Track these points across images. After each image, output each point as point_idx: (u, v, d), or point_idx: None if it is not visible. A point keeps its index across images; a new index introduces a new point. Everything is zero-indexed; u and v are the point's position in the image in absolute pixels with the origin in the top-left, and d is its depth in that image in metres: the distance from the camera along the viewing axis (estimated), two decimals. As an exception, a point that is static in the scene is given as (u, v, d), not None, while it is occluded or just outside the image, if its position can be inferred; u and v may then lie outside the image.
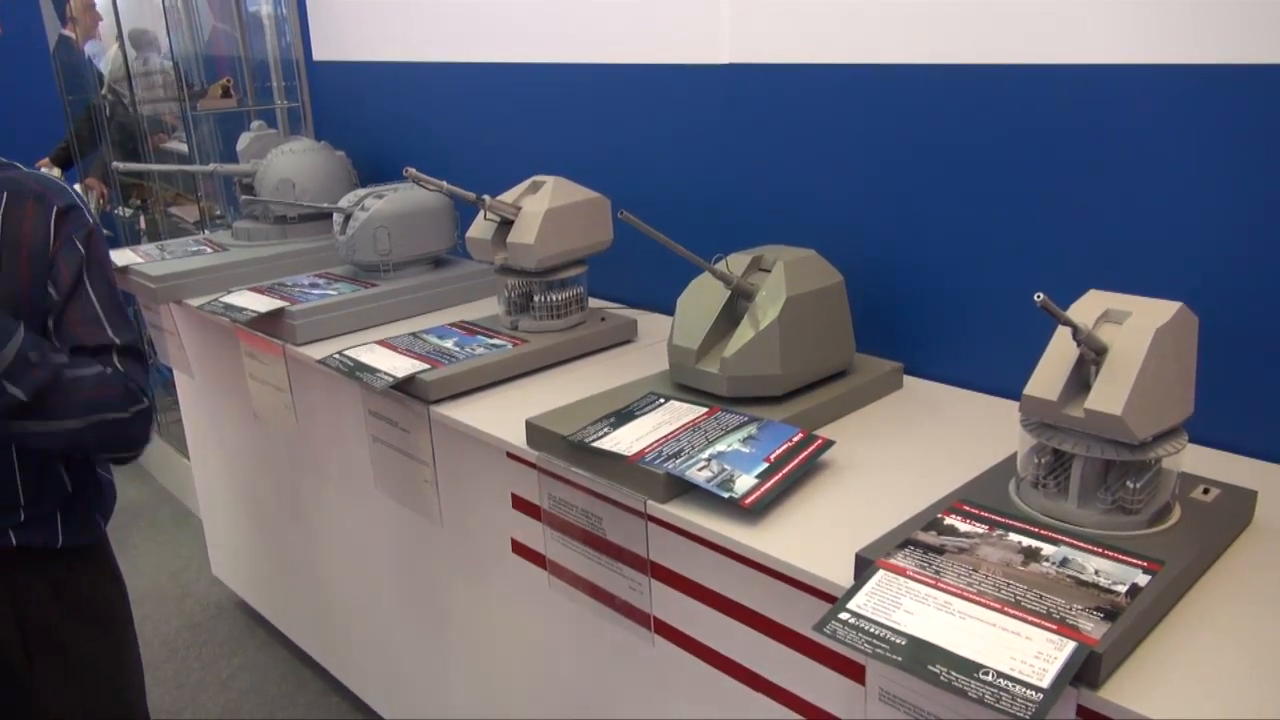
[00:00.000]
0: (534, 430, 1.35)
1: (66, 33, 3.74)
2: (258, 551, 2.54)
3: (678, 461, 1.19)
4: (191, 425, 2.67)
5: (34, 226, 1.19)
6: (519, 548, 1.51)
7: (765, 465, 1.18)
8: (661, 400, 1.39)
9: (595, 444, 1.25)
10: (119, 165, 2.89)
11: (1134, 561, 0.96)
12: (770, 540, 1.08)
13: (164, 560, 3.13)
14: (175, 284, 2.13)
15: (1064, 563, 0.97)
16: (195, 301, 2.06)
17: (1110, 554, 0.98)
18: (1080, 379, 1.02)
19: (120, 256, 2.28)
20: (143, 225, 3.59)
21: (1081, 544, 1.00)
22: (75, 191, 1.28)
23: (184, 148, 3.11)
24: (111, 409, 1.25)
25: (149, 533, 3.31)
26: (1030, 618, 0.88)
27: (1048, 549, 0.99)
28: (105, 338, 1.27)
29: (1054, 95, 1.33)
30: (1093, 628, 0.86)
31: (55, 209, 1.20)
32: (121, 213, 3.76)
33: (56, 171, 4.37)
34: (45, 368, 1.18)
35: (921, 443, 1.33)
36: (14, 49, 3.93)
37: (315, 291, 1.95)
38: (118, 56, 3.38)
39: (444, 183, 1.65)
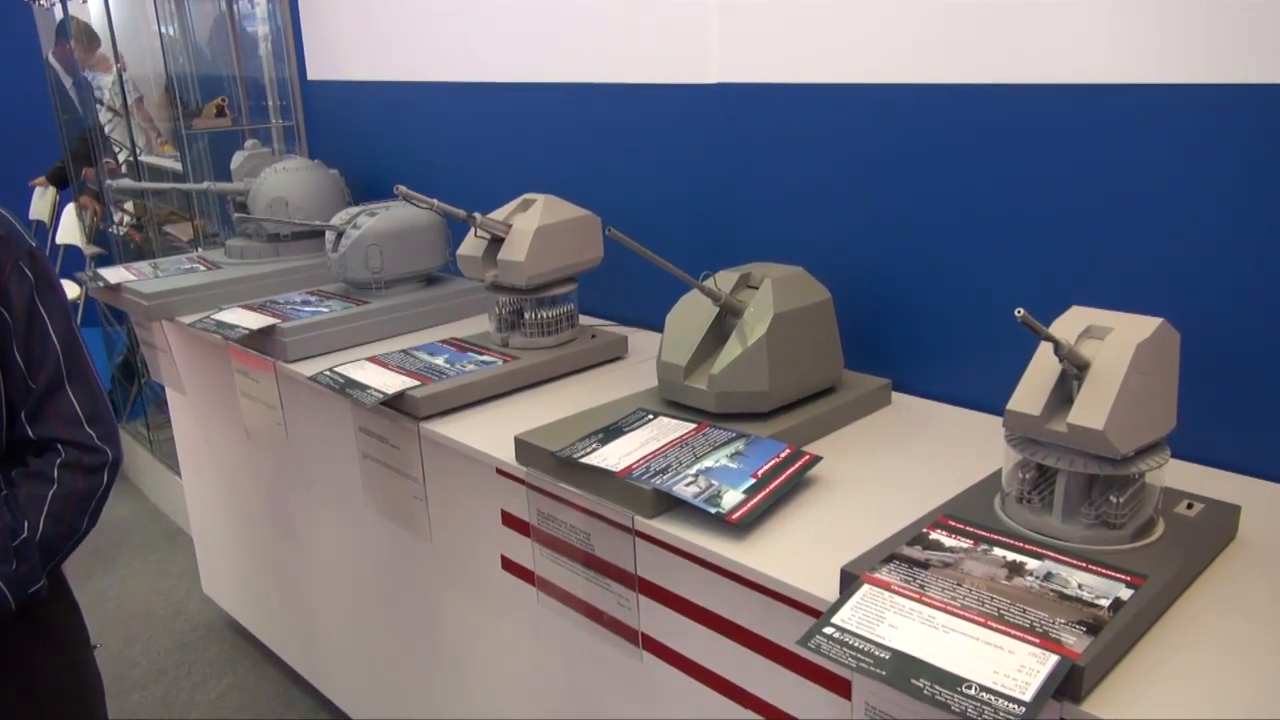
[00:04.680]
0: (523, 446, 1.35)
1: (54, 62, 3.76)
2: (249, 569, 2.53)
3: (665, 477, 1.19)
4: (183, 442, 2.67)
5: None
6: (509, 564, 1.51)
7: (752, 481, 1.19)
8: (650, 416, 1.39)
9: (583, 460, 1.25)
10: (113, 183, 2.90)
11: (1117, 576, 0.97)
12: (757, 555, 1.09)
13: (154, 579, 3.12)
14: (167, 301, 2.13)
15: (1048, 577, 0.97)
16: (187, 319, 2.06)
17: (1094, 568, 0.98)
18: (1063, 394, 1.03)
19: (113, 274, 2.29)
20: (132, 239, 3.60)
21: (1065, 558, 1.00)
22: (11, 214, 1.26)
23: (176, 165, 3.12)
24: (92, 495, 1.26)
25: (139, 551, 3.30)
26: (1013, 631, 0.88)
27: (1032, 563, 1.00)
28: (72, 415, 1.25)
29: (1039, 114, 1.34)
30: (1075, 641, 0.86)
31: None
32: (116, 231, 3.77)
33: (52, 190, 4.39)
34: (28, 557, 1.19)
35: (908, 458, 1.33)
36: (12, 75, 3.96)
37: (307, 309, 1.96)
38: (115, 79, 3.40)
39: (435, 200, 1.66)
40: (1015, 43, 1.34)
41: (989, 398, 1.46)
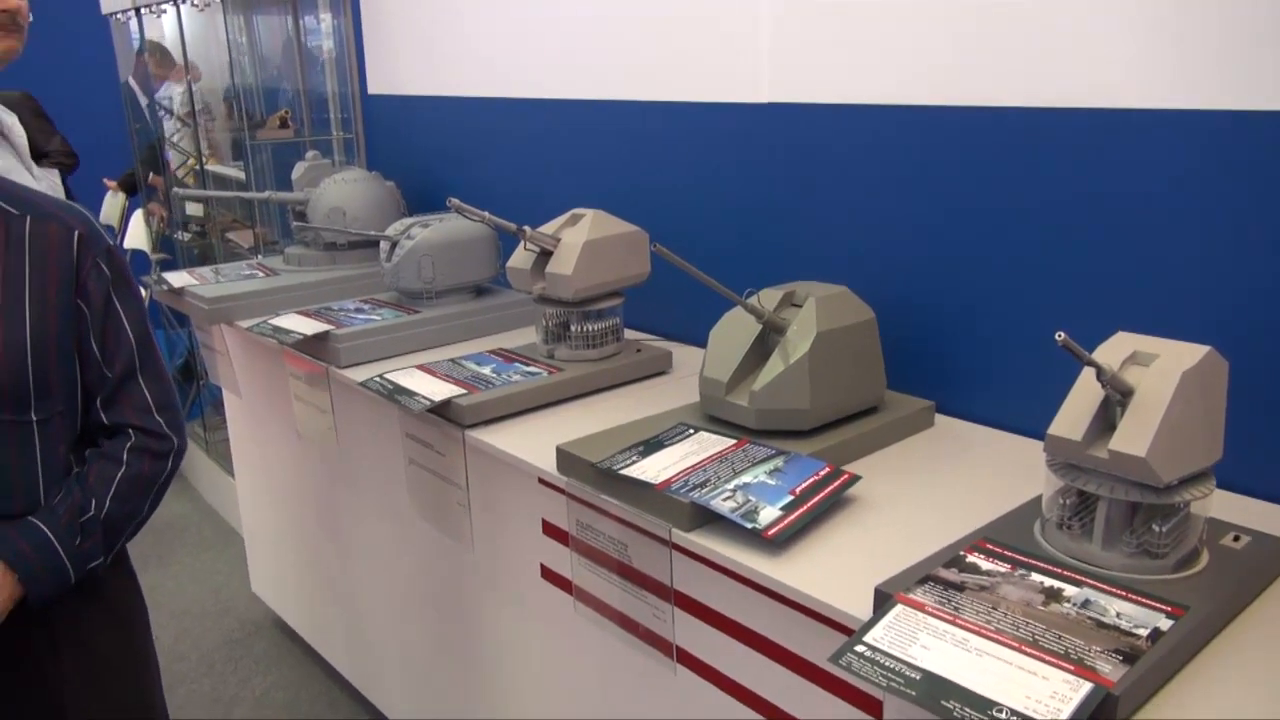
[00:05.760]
0: (564, 456, 1.37)
1: (133, 83, 3.92)
2: (296, 570, 2.58)
3: (703, 491, 1.20)
4: (237, 444, 2.74)
5: (59, 248, 1.24)
6: (548, 573, 1.53)
7: (790, 498, 1.19)
8: (691, 431, 1.41)
9: (623, 471, 1.27)
10: (179, 190, 2.99)
11: (1157, 606, 0.95)
12: (791, 572, 1.09)
13: (205, 576, 3.19)
14: (227, 306, 2.20)
15: (1085, 604, 0.96)
16: (245, 323, 2.13)
17: (1133, 597, 0.97)
18: (1106, 420, 1.02)
19: (177, 278, 2.36)
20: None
21: (1104, 586, 0.99)
22: (90, 213, 1.33)
23: (240, 174, 3.22)
24: (156, 479, 1.32)
25: (192, 549, 3.39)
26: (1047, 657, 0.88)
27: (1070, 590, 0.99)
28: (143, 403, 1.32)
29: (1087, 138, 1.33)
30: (1111, 670, 0.86)
31: (77, 233, 1.26)
32: (181, 236, 3.89)
33: (122, 195, 4.54)
34: (92, 533, 1.26)
35: (948, 481, 1.33)
36: (92, 87, 4.12)
37: (360, 316, 2.01)
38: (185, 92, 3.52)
39: (486, 213, 1.69)
40: (1063, 66, 1.34)
41: (1033, 422, 1.45)
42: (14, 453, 1.22)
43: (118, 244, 1.26)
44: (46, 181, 1.73)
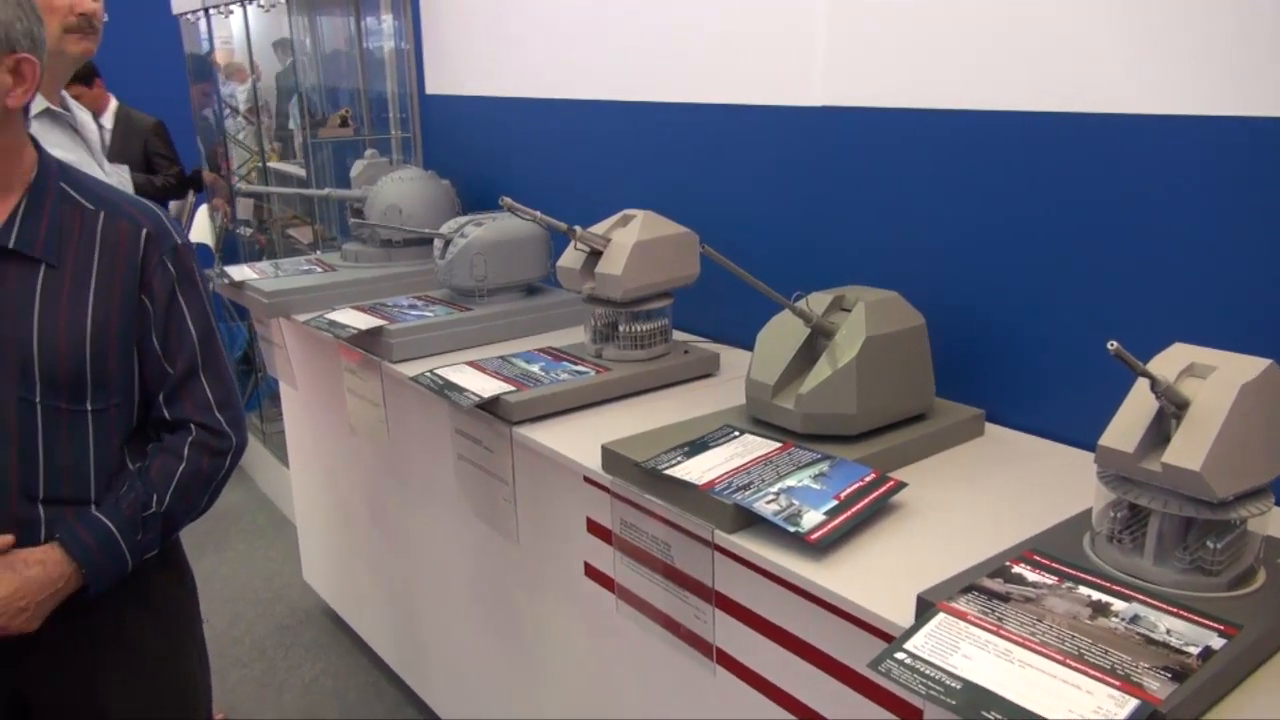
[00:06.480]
0: (609, 455, 1.38)
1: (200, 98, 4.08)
2: (346, 560, 2.63)
3: (747, 493, 1.20)
4: (292, 435, 2.80)
5: (128, 245, 1.28)
6: (591, 571, 1.54)
7: (834, 503, 1.19)
8: (736, 433, 1.41)
9: (667, 471, 1.27)
10: (242, 186, 3.07)
11: (1210, 624, 0.93)
12: (833, 576, 1.09)
13: (259, 564, 3.27)
14: (285, 300, 2.25)
15: (1134, 620, 0.94)
16: (302, 317, 2.17)
17: (1185, 614, 0.95)
18: (1160, 433, 1.00)
19: (238, 272, 2.43)
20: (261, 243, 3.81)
21: (1155, 602, 0.97)
22: (162, 211, 1.37)
23: (301, 171, 3.29)
24: (214, 475, 1.36)
25: (246, 536, 3.47)
26: (1093, 672, 0.86)
27: (1118, 605, 0.97)
28: (204, 400, 1.35)
29: (1149, 143, 1.31)
30: (1159, 687, 0.84)
31: (145, 230, 1.30)
32: (243, 232, 3.99)
33: (189, 192, 4.67)
34: (153, 527, 1.30)
35: (996, 491, 1.31)
36: (161, 85, 4.25)
37: (413, 312, 2.04)
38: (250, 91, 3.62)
39: (538, 212, 1.71)
40: (1121, 71, 1.31)
41: (1084, 433, 1.42)
42: (67, 440, 1.26)
43: (185, 241, 1.31)
44: (116, 176, 1.79)
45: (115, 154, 3.69)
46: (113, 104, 3.93)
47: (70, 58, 1.67)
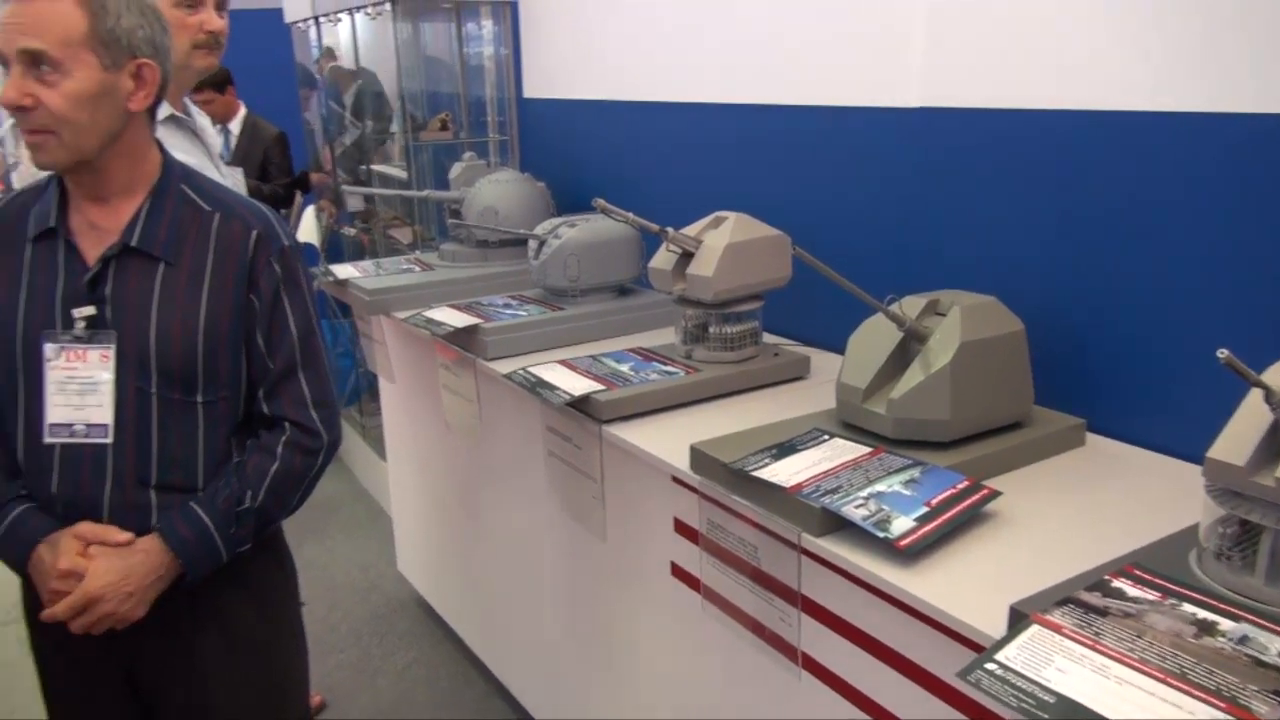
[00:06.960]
0: (697, 455, 1.39)
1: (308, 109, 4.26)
2: (439, 552, 2.70)
3: (835, 497, 1.20)
4: (389, 429, 2.89)
5: (239, 245, 1.35)
6: (678, 570, 1.55)
7: (925, 510, 1.17)
8: (825, 437, 1.40)
9: (755, 473, 1.27)
10: (345, 187, 3.17)
11: (1325, 648, 0.89)
12: (922, 584, 1.07)
13: (356, 554, 3.38)
14: (385, 298, 2.33)
15: (1243, 640, 0.91)
16: (402, 315, 2.24)
17: (1298, 637, 0.90)
18: (1274, 446, 0.95)
19: (342, 270, 2.52)
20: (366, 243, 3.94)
21: (1266, 623, 0.93)
22: (273, 214, 1.42)
23: (402, 174, 3.39)
24: (306, 473, 1.41)
25: (345, 527, 3.59)
26: (1196, 692, 0.83)
27: (1226, 624, 0.93)
28: (300, 398, 1.39)
29: (1264, 142, 1.25)
30: (1268, 711, 0.80)
31: (255, 232, 1.36)
32: (347, 232, 4.13)
33: (297, 193, 4.86)
34: (247, 522, 1.36)
35: (1096, 503, 1.27)
36: (273, 90, 4.44)
37: (508, 311, 2.08)
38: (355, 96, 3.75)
39: (631, 214, 1.73)
40: (1233, 68, 1.25)
41: (1192, 445, 1.36)
42: (178, 429, 1.33)
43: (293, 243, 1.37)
44: (231, 179, 1.88)
45: (238, 159, 3.87)
46: (242, 111, 4.11)
47: (195, 71, 1.77)
